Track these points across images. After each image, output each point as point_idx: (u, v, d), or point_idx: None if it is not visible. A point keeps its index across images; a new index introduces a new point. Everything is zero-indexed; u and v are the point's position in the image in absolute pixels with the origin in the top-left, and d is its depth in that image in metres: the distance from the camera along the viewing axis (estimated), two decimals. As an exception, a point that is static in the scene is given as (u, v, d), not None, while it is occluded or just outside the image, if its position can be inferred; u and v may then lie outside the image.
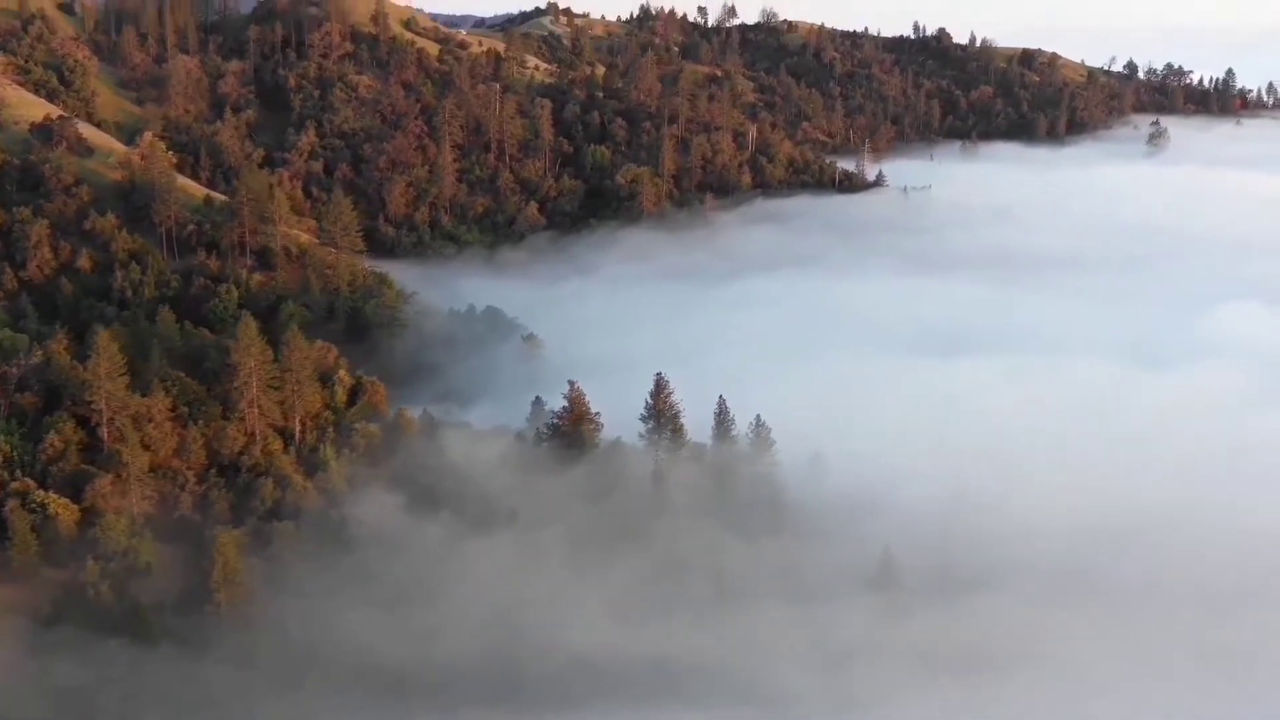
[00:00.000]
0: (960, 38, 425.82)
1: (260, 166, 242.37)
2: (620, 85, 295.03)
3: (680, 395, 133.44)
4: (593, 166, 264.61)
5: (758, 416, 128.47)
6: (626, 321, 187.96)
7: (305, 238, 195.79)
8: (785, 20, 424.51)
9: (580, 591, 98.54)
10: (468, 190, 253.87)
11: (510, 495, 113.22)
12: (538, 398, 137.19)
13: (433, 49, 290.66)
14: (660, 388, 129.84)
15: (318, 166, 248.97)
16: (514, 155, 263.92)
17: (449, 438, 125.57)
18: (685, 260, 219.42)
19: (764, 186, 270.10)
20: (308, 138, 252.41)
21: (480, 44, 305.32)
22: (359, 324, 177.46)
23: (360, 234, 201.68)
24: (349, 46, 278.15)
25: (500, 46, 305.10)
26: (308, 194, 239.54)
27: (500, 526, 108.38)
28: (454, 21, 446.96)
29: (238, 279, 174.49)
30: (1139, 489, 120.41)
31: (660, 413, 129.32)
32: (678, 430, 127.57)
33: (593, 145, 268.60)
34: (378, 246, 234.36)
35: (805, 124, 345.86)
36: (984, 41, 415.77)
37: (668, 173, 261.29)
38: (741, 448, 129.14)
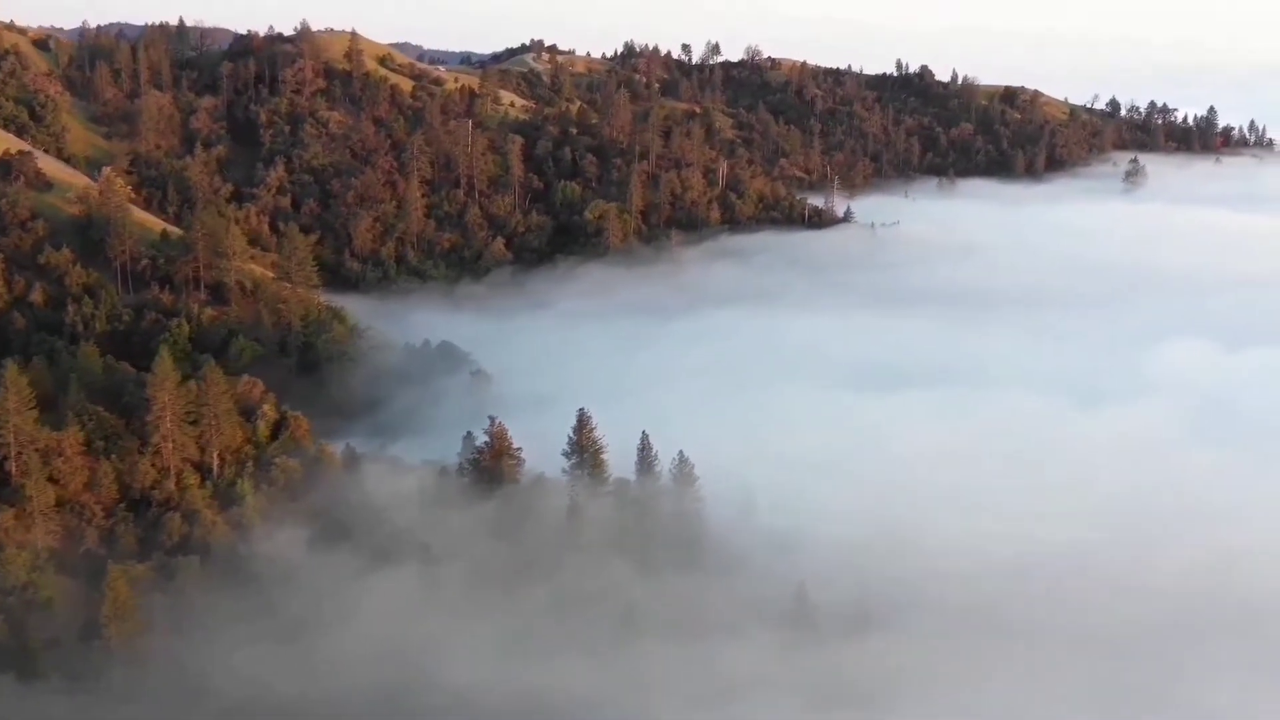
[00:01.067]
0: (944, 76, 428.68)
1: (228, 201, 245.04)
2: (595, 121, 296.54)
3: (617, 429, 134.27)
4: (563, 202, 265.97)
5: (680, 452, 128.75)
6: (576, 355, 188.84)
7: (262, 272, 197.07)
8: (769, 58, 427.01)
9: (478, 626, 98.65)
10: (436, 226, 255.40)
11: (422, 530, 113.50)
12: (469, 433, 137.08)
13: (407, 85, 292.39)
14: (583, 423, 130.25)
15: (286, 201, 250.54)
16: (483, 191, 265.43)
17: (371, 472, 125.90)
18: (643, 295, 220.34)
19: (733, 222, 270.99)
20: (277, 173, 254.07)
21: (456, 80, 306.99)
22: (311, 358, 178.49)
23: (317, 268, 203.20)
24: (321, 83, 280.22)
25: (476, 83, 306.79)
26: (275, 229, 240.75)
27: (408, 561, 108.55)
28: (440, 58, 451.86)
29: (189, 313, 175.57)
30: (1055, 526, 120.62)
31: (583, 448, 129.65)
32: (598, 466, 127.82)
33: (563, 181, 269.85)
34: (343, 281, 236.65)
35: (783, 160, 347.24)
36: (965, 79, 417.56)
37: (635, 209, 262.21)
38: (665, 483, 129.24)
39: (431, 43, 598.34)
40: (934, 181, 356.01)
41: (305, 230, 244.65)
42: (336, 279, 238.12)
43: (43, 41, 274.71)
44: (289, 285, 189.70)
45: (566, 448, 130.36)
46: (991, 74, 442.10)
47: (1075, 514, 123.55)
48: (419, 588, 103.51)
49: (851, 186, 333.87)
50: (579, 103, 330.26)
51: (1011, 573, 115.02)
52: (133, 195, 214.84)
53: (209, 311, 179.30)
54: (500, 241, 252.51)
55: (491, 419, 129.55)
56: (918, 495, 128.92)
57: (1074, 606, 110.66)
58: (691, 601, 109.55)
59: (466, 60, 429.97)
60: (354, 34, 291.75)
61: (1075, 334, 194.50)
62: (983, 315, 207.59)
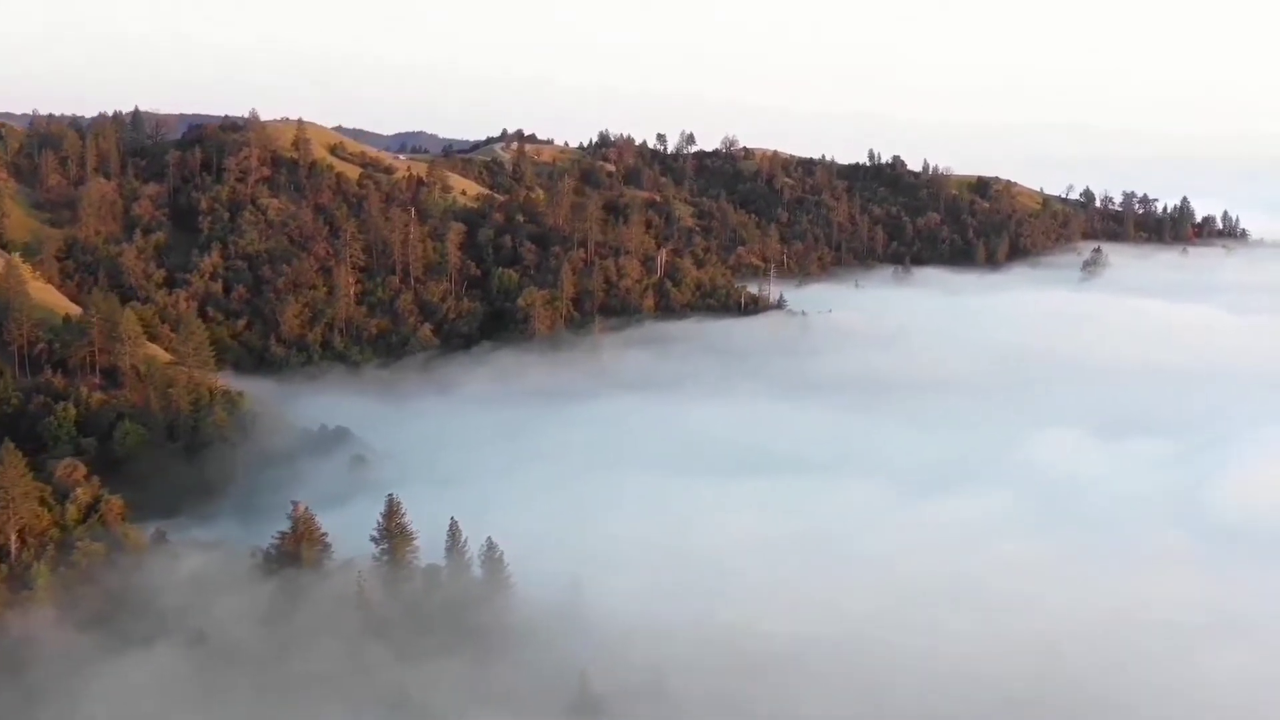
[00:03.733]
0: (937, 164, 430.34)
1: (160, 286, 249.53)
2: (543, 210, 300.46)
3: (460, 512, 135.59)
4: (499, 289, 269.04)
5: (488, 539, 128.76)
6: (462, 439, 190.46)
7: (165, 356, 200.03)
8: (743, 148, 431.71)
9: (205, 709, 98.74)
10: (367, 311, 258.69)
11: (197, 613, 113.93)
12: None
13: (354, 173, 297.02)
14: (392, 510, 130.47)
15: (218, 287, 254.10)
16: (419, 278, 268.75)
17: (178, 556, 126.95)
18: (551, 380, 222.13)
19: (668, 310, 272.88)
20: (211, 259, 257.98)
21: (409, 169, 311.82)
22: (199, 442, 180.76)
23: (214, 353, 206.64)
24: (266, 171, 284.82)
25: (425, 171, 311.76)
26: (204, 315, 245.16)
27: (169, 643, 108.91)
28: (428, 145, 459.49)
29: (78, 397, 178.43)
30: (844, 615, 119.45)
31: (390, 534, 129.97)
32: (400, 552, 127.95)
33: (501, 268, 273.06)
34: (268, 365, 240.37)
35: (740, 248, 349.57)
36: (936, 169, 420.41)
37: (566, 296, 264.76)
38: (474, 569, 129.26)
39: (447, 132, 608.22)
40: (891, 270, 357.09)
41: (235, 315, 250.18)
42: (262, 363, 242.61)
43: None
44: (185, 369, 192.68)
45: (375, 533, 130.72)
46: (993, 166, 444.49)
47: (870, 603, 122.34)
48: (166, 670, 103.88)
49: (805, 274, 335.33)
50: (537, 191, 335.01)
51: (786, 661, 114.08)
52: (38, 279, 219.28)
53: (98, 395, 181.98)
54: (428, 327, 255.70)
55: (294, 504, 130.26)
56: (722, 583, 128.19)
57: (840, 697, 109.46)
58: (453, 688, 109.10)
59: (448, 150, 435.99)
60: (300, 122, 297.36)
61: (964, 422, 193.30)
62: (882, 403, 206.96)
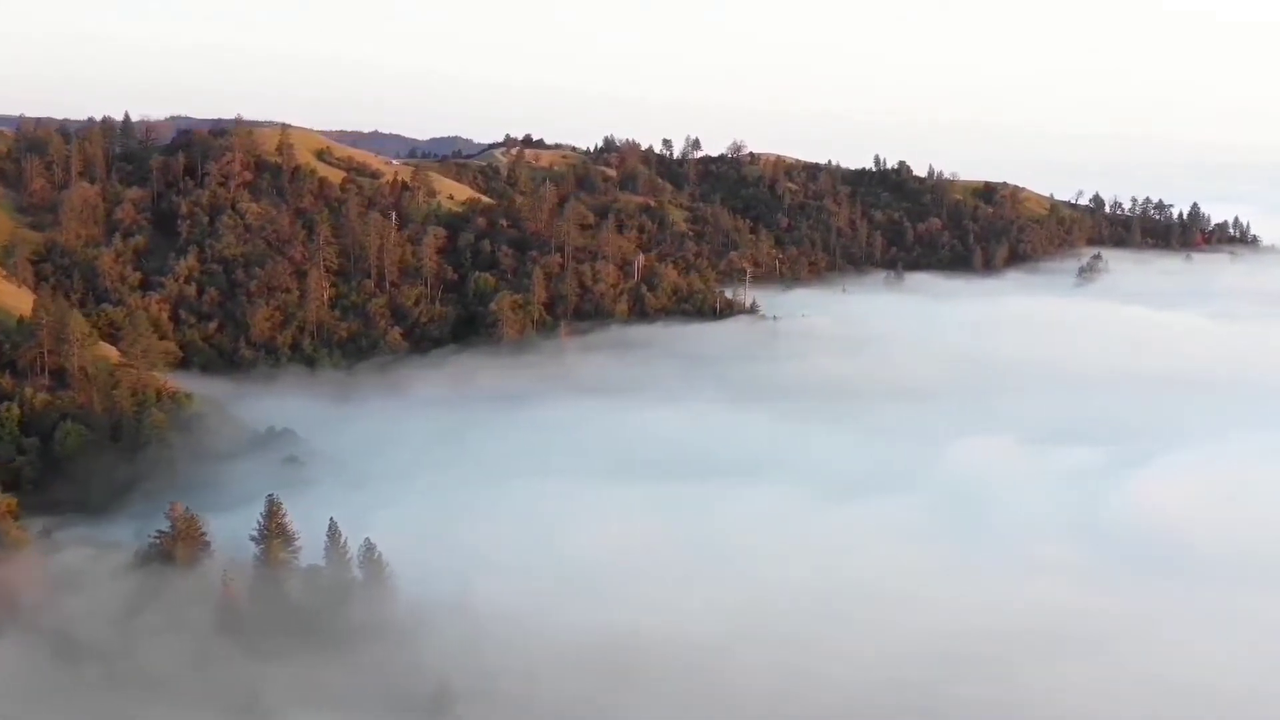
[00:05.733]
0: (953, 171, 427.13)
1: (134, 290, 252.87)
2: (525, 215, 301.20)
3: (370, 514, 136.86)
4: (475, 293, 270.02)
5: (367, 540, 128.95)
6: (403, 442, 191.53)
7: (117, 358, 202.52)
8: (749, 153, 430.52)
9: (32, 706, 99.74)
10: (340, 315, 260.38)
11: (55, 611, 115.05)
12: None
13: (337, 177, 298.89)
14: (273, 510, 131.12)
15: (191, 290, 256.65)
16: (394, 282, 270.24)
17: (53, 553, 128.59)
18: (506, 384, 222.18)
19: (643, 315, 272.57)
20: (187, 262, 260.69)
21: (395, 174, 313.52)
22: (140, 442, 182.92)
23: (171, 356, 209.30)
24: (248, 175, 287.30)
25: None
26: (176, 318, 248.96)
27: (15, 641, 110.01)
28: (456, 149, 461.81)
29: (22, 398, 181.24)
30: (724, 617, 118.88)
31: (271, 534, 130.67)
32: (275, 552, 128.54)
33: (478, 273, 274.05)
34: (236, 368, 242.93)
35: (733, 253, 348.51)
36: (941, 175, 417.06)
37: (538, 300, 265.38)
38: (355, 571, 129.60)
39: (482, 136, 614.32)
40: (884, 276, 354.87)
41: (207, 318, 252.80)
42: (231, 366, 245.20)
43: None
44: (133, 370, 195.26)
45: (255, 533, 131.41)
46: (1010, 173, 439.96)
47: (753, 607, 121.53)
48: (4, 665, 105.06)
49: (795, 279, 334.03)
50: (529, 195, 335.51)
51: (661, 665, 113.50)
52: (11, 281, 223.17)
53: (43, 396, 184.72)
54: (397, 331, 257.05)
55: (172, 504, 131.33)
56: (611, 586, 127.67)
57: (711, 701, 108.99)
58: (300, 687, 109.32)
59: (454, 154, 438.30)
60: (285, 127, 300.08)
61: (907, 429, 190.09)
62: (832, 409, 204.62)
